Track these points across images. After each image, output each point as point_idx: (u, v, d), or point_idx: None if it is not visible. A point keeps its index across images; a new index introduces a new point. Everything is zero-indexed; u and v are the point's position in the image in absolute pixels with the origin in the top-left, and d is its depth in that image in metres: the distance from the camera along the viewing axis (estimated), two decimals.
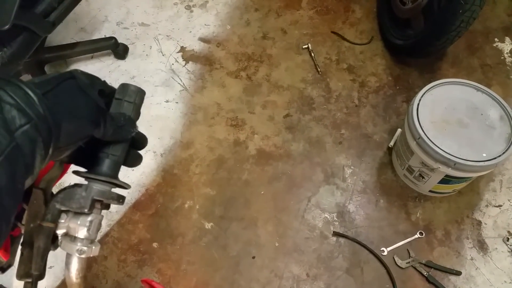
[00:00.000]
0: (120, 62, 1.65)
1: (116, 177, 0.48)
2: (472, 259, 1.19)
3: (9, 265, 0.49)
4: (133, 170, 1.35)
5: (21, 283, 0.47)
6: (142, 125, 0.51)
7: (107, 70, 1.62)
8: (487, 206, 1.28)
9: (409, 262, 1.18)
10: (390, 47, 1.63)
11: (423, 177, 1.21)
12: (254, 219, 1.27)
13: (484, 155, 1.06)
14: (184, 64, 1.63)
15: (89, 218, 0.46)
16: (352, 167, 1.37)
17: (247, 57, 1.64)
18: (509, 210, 1.28)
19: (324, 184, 1.33)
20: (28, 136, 0.33)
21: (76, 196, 0.45)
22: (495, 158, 1.05)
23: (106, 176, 0.46)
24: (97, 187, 0.46)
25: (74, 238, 0.46)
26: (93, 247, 0.46)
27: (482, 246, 1.22)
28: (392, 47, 1.61)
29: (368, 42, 1.66)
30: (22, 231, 0.46)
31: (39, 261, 0.45)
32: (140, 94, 0.50)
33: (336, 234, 1.24)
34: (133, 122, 0.48)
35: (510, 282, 1.16)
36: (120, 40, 1.63)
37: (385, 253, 1.20)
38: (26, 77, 1.52)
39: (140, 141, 0.52)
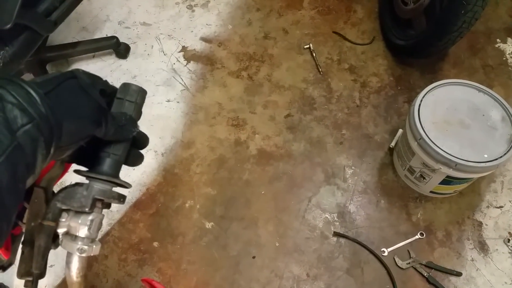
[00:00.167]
0: (122, 61, 1.65)
1: (117, 176, 0.48)
2: (472, 260, 1.19)
3: (10, 263, 0.49)
4: (134, 169, 1.35)
5: (22, 281, 0.47)
6: (143, 125, 0.51)
7: (109, 70, 1.62)
8: (488, 207, 1.28)
9: (409, 263, 1.18)
10: (391, 47, 1.62)
11: (424, 178, 1.21)
12: (255, 219, 1.27)
13: (486, 156, 1.06)
14: (185, 64, 1.63)
15: (90, 217, 0.46)
16: (353, 168, 1.37)
17: (249, 57, 1.64)
18: (510, 211, 1.27)
19: (325, 184, 1.33)
20: (30, 136, 0.33)
21: (77, 195, 0.45)
22: (496, 159, 1.05)
23: (107, 175, 0.46)
24: (98, 186, 0.46)
25: (75, 237, 0.46)
26: (94, 246, 0.47)
27: (483, 247, 1.21)
28: (394, 48, 1.61)
29: (369, 42, 1.66)
30: (23, 230, 0.46)
31: (40, 259, 0.46)
32: (141, 93, 0.51)
33: (336, 234, 1.24)
34: (134, 122, 0.49)
35: (510, 283, 1.16)
36: (121, 40, 1.63)
37: (386, 254, 1.20)
38: (27, 76, 1.53)
39: (141, 140, 0.52)
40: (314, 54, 1.62)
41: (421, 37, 1.41)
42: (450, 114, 1.14)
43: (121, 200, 0.49)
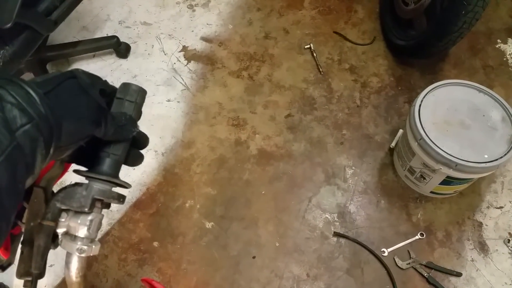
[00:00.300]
0: (122, 61, 1.65)
1: (116, 176, 0.48)
2: (472, 260, 1.19)
3: (9, 263, 0.49)
4: (134, 169, 1.35)
5: (22, 281, 0.47)
6: (143, 124, 0.51)
7: (109, 69, 1.62)
8: (488, 207, 1.28)
9: (409, 263, 1.18)
10: (392, 47, 1.62)
11: (424, 178, 1.21)
12: (255, 219, 1.27)
13: (486, 156, 1.06)
14: (186, 64, 1.63)
15: (90, 217, 0.46)
16: (353, 168, 1.36)
17: (249, 57, 1.63)
18: (510, 211, 1.27)
19: (325, 185, 1.33)
20: (29, 136, 0.33)
21: (76, 195, 0.45)
22: (496, 159, 1.05)
23: (106, 175, 0.46)
24: (97, 186, 0.46)
25: (74, 237, 0.46)
26: (93, 246, 0.47)
27: (483, 247, 1.21)
28: (394, 48, 1.61)
29: (370, 43, 1.66)
30: (23, 230, 0.46)
31: (39, 259, 0.46)
32: (141, 93, 0.51)
33: (336, 234, 1.24)
34: (134, 122, 0.48)
35: (510, 284, 1.16)
36: (122, 39, 1.63)
37: (386, 254, 1.20)
38: (28, 76, 1.53)
39: (141, 140, 0.52)
40: (314, 54, 1.62)
41: (422, 37, 1.41)
42: (451, 114, 1.14)
43: (121, 200, 0.49)
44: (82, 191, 0.45)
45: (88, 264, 1.21)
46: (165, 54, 1.66)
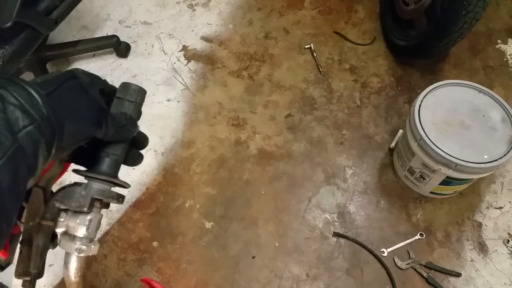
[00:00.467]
0: (122, 60, 1.65)
1: (116, 176, 0.48)
2: (472, 260, 1.19)
3: (8, 263, 0.49)
4: (134, 168, 1.35)
5: (20, 281, 0.47)
6: (143, 124, 0.51)
7: (109, 69, 1.62)
8: (487, 208, 1.28)
9: (409, 263, 1.18)
10: (392, 47, 1.62)
11: (424, 179, 1.21)
12: (255, 219, 1.27)
13: (486, 157, 1.06)
14: (186, 63, 1.63)
15: (89, 217, 0.46)
16: (353, 168, 1.36)
17: (249, 57, 1.63)
18: (510, 212, 1.27)
19: (325, 185, 1.33)
20: (31, 137, 0.33)
21: (75, 195, 0.45)
22: (496, 160, 1.05)
23: (105, 175, 0.46)
24: (96, 186, 0.46)
25: (73, 237, 0.46)
26: (92, 246, 0.46)
27: (482, 248, 1.21)
28: (395, 48, 1.61)
29: (370, 43, 1.66)
30: (21, 229, 0.46)
31: (38, 259, 0.46)
32: (141, 93, 0.50)
33: (336, 234, 1.24)
34: (134, 122, 0.48)
35: (510, 284, 1.16)
36: (122, 39, 1.63)
37: (385, 254, 1.20)
38: (27, 75, 1.53)
39: (141, 140, 0.52)
40: (315, 54, 1.62)
41: (422, 37, 1.41)
42: (451, 114, 1.14)
43: (120, 200, 0.49)
44: (81, 191, 0.45)
45: (88, 264, 1.21)
46: (165, 54, 1.66)
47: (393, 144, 1.38)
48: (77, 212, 0.46)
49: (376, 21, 1.72)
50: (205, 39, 1.70)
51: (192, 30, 1.72)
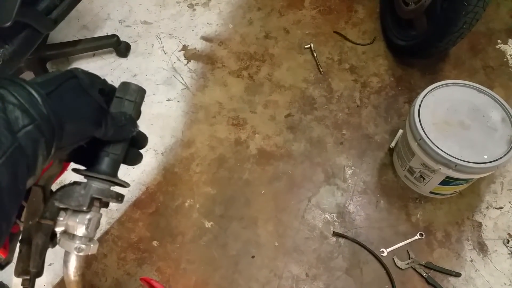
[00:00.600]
0: (122, 60, 1.65)
1: (115, 175, 0.48)
2: (472, 260, 1.19)
3: (8, 262, 0.49)
4: (133, 168, 1.35)
5: (20, 280, 0.47)
6: (143, 124, 0.51)
7: (109, 68, 1.62)
8: (487, 208, 1.28)
9: (408, 263, 1.18)
10: (392, 47, 1.62)
11: (424, 178, 1.21)
12: (254, 218, 1.27)
13: (485, 157, 1.06)
14: (186, 63, 1.63)
15: (88, 216, 0.46)
16: (353, 168, 1.36)
17: (249, 56, 1.63)
18: (510, 212, 1.27)
19: (325, 185, 1.33)
20: (31, 137, 0.33)
21: (75, 194, 0.45)
22: (496, 160, 1.05)
23: (105, 174, 0.46)
24: (96, 185, 0.46)
25: (72, 236, 0.46)
26: (92, 245, 0.47)
27: (482, 248, 1.21)
28: (395, 48, 1.61)
29: (370, 43, 1.66)
30: (21, 228, 0.46)
31: (37, 258, 0.46)
32: (140, 92, 0.50)
33: (336, 234, 1.24)
34: (134, 122, 0.48)
35: (509, 284, 1.16)
36: (122, 38, 1.63)
37: (385, 254, 1.20)
38: (27, 74, 1.53)
39: (141, 140, 0.52)
40: (315, 54, 1.62)
41: (422, 37, 1.41)
42: (450, 114, 1.14)
43: (119, 199, 0.49)
44: (81, 190, 0.45)
45: (88, 263, 1.21)
46: (165, 53, 1.66)
47: (393, 144, 1.38)
48: (77, 211, 0.46)
49: (376, 21, 1.72)
50: (205, 38, 1.70)
51: (192, 30, 1.72)
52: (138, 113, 0.51)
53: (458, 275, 1.16)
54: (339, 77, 1.57)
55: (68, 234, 0.46)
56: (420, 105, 1.14)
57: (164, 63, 1.63)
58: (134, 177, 1.34)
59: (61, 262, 0.48)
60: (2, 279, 1.14)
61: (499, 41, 1.65)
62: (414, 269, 1.18)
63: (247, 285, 1.17)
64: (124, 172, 1.33)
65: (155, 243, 1.24)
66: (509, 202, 1.29)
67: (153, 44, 1.68)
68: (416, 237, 1.23)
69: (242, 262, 1.20)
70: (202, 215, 1.28)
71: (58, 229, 0.46)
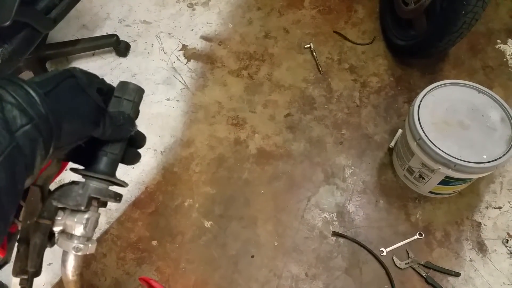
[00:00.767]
0: (122, 59, 1.65)
1: (113, 175, 0.48)
2: (471, 260, 1.19)
3: (6, 261, 0.49)
4: (133, 168, 1.35)
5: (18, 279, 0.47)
6: (142, 123, 0.51)
7: (108, 68, 1.62)
8: (487, 207, 1.28)
9: (408, 263, 1.18)
10: (392, 47, 1.62)
11: (423, 178, 1.21)
12: (254, 218, 1.27)
13: (485, 156, 1.06)
14: (185, 62, 1.63)
15: (86, 216, 0.46)
16: (352, 167, 1.36)
17: (249, 56, 1.63)
18: (509, 212, 1.27)
19: (324, 184, 1.33)
20: (29, 137, 0.33)
21: (73, 193, 0.45)
22: (495, 159, 1.05)
23: (103, 174, 0.46)
24: (94, 185, 0.46)
25: (70, 236, 0.46)
26: (90, 245, 0.46)
27: (481, 247, 1.21)
28: (394, 48, 1.61)
29: (370, 42, 1.66)
30: (19, 228, 0.46)
31: (35, 258, 0.46)
32: (139, 92, 0.50)
33: (335, 234, 1.24)
34: (132, 121, 0.48)
35: (509, 284, 1.16)
36: (121, 38, 1.63)
37: (384, 254, 1.20)
38: (27, 74, 1.53)
39: (139, 139, 0.52)
40: (314, 53, 1.62)
41: (422, 37, 1.41)
42: (450, 114, 1.14)
43: (117, 198, 0.49)
44: (79, 190, 0.45)
45: (87, 262, 1.21)
46: (164, 53, 1.66)
47: (392, 144, 1.38)
48: (75, 211, 0.46)
49: (376, 21, 1.72)
50: (205, 38, 1.70)
51: (192, 30, 1.72)
52: (136, 113, 0.51)
53: (457, 274, 1.16)
54: (339, 77, 1.57)
55: (66, 233, 0.46)
56: (419, 105, 1.14)
57: (163, 62, 1.63)
58: (134, 176, 1.34)
59: (60, 262, 0.48)
60: (1, 278, 1.13)
61: (498, 41, 1.65)
62: (414, 269, 1.18)
63: (247, 284, 1.17)
64: (124, 171, 1.33)
65: (154, 242, 1.24)
66: (509, 202, 1.29)
67: (152, 44, 1.68)
68: (415, 237, 1.23)
69: (242, 261, 1.20)
70: (202, 214, 1.28)
71: (56, 229, 0.46)
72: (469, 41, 1.62)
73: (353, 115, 1.47)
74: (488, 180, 1.33)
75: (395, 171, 1.34)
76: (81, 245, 0.45)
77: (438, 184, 1.18)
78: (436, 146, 1.07)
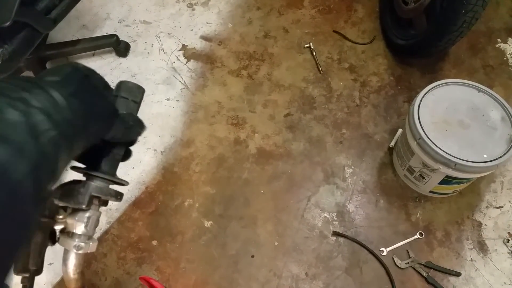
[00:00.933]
0: (122, 59, 1.65)
1: (114, 174, 0.48)
2: (472, 260, 1.19)
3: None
4: (133, 167, 1.35)
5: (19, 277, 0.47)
6: None
7: (108, 68, 1.62)
8: (487, 207, 1.28)
9: (408, 263, 1.18)
10: (392, 47, 1.62)
11: (423, 178, 1.21)
12: (254, 218, 1.27)
13: (485, 156, 1.06)
14: (185, 62, 1.63)
15: (87, 215, 0.46)
16: (352, 167, 1.36)
17: (249, 56, 1.63)
18: (510, 211, 1.27)
19: (324, 184, 1.33)
20: (54, 142, 0.32)
21: (74, 192, 0.45)
22: (496, 159, 1.05)
23: (104, 173, 0.46)
24: (95, 183, 0.46)
25: (72, 234, 0.46)
26: (91, 243, 0.47)
27: (482, 247, 1.21)
28: (394, 47, 1.61)
29: (370, 42, 1.66)
30: None
31: (37, 256, 0.46)
32: (142, 92, 0.50)
33: (335, 233, 1.24)
34: (142, 124, 0.47)
35: (510, 284, 1.16)
36: (121, 38, 1.63)
37: (385, 253, 1.20)
38: (27, 74, 1.53)
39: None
40: (314, 53, 1.62)
41: (422, 36, 1.41)
42: (450, 114, 1.14)
43: (118, 197, 0.49)
44: (80, 189, 0.45)
45: (87, 262, 1.21)
46: (164, 53, 1.66)
47: (392, 143, 1.38)
48: (76, 210, 0.46)
49: (376, 20, 1.72)
50: (205, 38, 1.70)
51: (192, 29, 1.72)
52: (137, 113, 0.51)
53: (458, 274, 1.16)
54: (339, 77, 1.57)
55: (68, 232, 0.46)
56: (419, 104, 1.14)
57: (163, 62, 1.63)
58: (134, 176, 1.34)
59: (61, 261, 0.48)
60: None
61: (498, 40, 1.65)
62: (414, 269, 1.18)
63: (247, 284, 1.17)
64: (124, 171, 1.33)
65: (154, 242, 1.24)
66: (509, 201, 1.29)
67: (152, 44, 1.68)
68: (416, 237, 1.23)
69: (242, 261, 1.20)
70: (202, 214, 1.28)
71: (58, 227, 0.46)
72: (469, 40, 1.62)
73: (353, 115, 1.47)
74: (489, 179, 1.33)
75: (395, 171, 1.34)
76: (82, 244, 0.45)
77: (438, 183, 1.18)
78: (436, 145, 1.07)
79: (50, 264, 1.18)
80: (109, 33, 1.68)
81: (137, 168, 1.36)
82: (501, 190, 1.31)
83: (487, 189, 1.31)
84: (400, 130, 1.40)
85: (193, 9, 1.79)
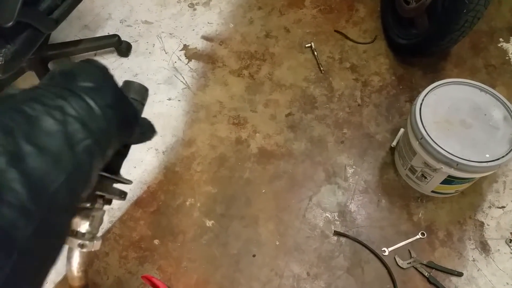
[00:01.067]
0: (123, 59, 1.65)
1: (118, 173, 0.48)
2: (474, 260, 1.19)
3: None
4: (135, 167, 1.35)
5: None
6: None
7: (110, 68, 1.61)
8: (490, 207, 1.28)
9: (410, 263, 1.18)
10: (393, 46, 1.62)
11: (425, 178, 1.21)
12: (255, 217, 1.27)
13: (487, 156, 1.06)
14: (186, 62, 1.63)
15: (91, 213, 0.46)
16: (354, 167, 1.36)
17: (250, 56, 1.63)
18: None
19: (326, 184, 1.33)
20: (89, 151, 0.32)
21: None
22: (498, 159, 1.05)
23: (109, 171, 0.46)
24: (99, 182, 0.46)
25: (76, 232, 0.46)
26: (95, 242, 0.47)
27: (484, 247, 1.21)
28: (396, 47, 1.61)
29: (371, 42, 1.66)
30: None
31: None
32: (147, 93, 0.50)
33: (337, 233, 1.24)
34: (153, 128, 0.46)
35: None
36: (123, 38, 1.63)
37: (386, 253, 1.20)
38: (29, 75, 1.53)
39: None
40: (315, 53, 1.62)
41: (423, 36, 1.40)
42: (452, 113, 1.14)
43: (122, 196, 0.49)
44: None
45: (90, 261, 1.21)
46: (166, 53, 1.66)
47: (394, 143, 1.38)
48: (80, 208, 0.46)
49: (377, 20, 1.72)
50: (206, 38, 1.70)
51: (193, 29, 1.73)
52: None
53: (460, 274, 1.16)
54: (340, 76, 1.57)
55: (72, 230, 0.46)
56: (421, 104, 1.14)
57: (165, 62, 1.63)
58: (136, 176, 1.34)
59: (64, 260, 0.48)
60: None
61: (501, 39, 1.65)
62: (416, 269, 1.17)
63: (248, 284, 1.17)
64: (126, 171, 1.33)
65: (156, 241, 1.24)
66: None
67: (154, 44, 1.69)
68: (417, 236, 1.22)
69: (243, 261, 1.20)
70: (203, 214, 1.28)
71: None
72: (471, 39, 1.62)
73: (354, 114, 1.47)
74: (491, 179, 1.32)
75: (397, 171, 1.34)
76: (86, 242, 0.45)
77: (440, 183, 1.18)
78: (438, 145, 1.07)
79: None
80: (111, 33, 1.69)
81: (139, 168, 1.36)
82: (503, 190, 1.31)
83: (489, 189, 1.31)
84: (402, 130, 1.40)
85: (194, 9, 1.79)
